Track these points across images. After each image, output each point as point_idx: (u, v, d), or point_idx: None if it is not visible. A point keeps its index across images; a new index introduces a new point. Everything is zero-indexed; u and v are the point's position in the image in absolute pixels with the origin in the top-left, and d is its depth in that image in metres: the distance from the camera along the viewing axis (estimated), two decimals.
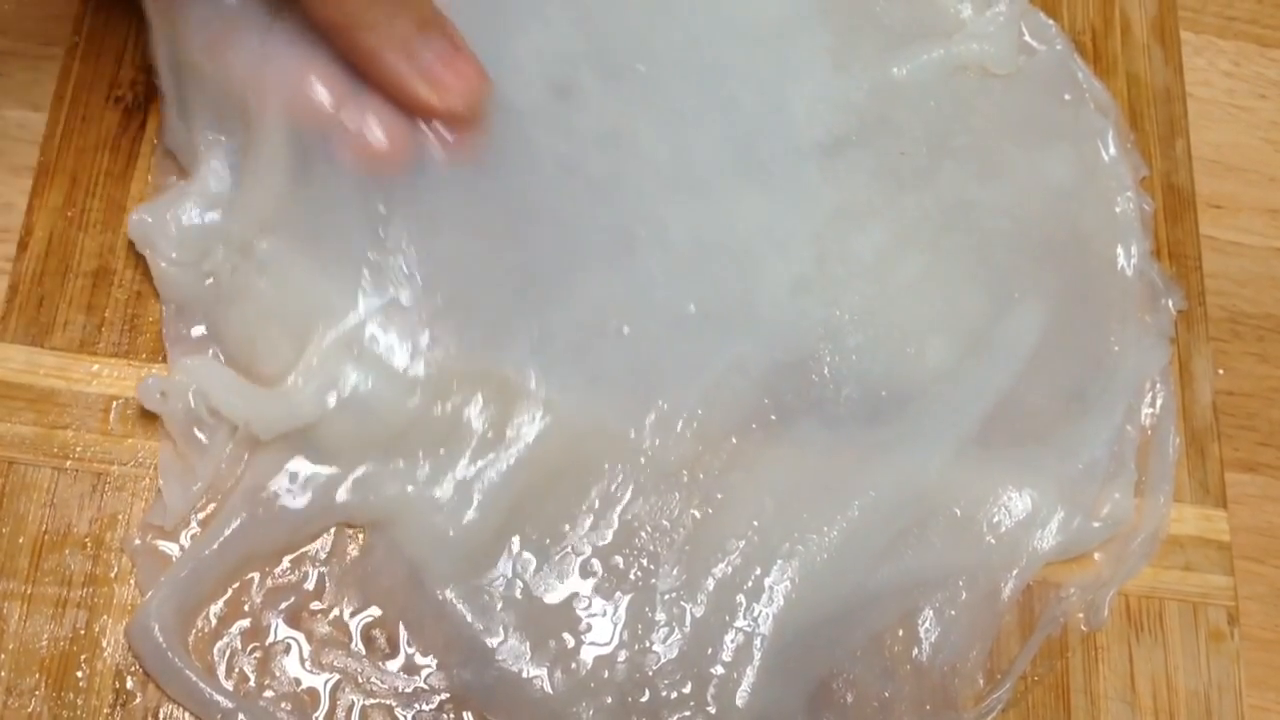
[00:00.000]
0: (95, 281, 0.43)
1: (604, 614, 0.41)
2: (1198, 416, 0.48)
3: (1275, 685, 0.45)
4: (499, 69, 0.41)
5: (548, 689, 0.40)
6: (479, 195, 0.41)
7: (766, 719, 0.41)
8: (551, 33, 0.45)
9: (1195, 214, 0.51)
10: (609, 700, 0.40)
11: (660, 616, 0.41)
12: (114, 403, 0.42)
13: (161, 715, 0.39)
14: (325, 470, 0.40)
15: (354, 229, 0.41)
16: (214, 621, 0.40)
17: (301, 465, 0.40)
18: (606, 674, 0.40)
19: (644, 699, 0.40)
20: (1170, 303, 0.49)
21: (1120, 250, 0.49)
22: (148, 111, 0.45)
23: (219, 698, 0.38)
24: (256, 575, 0.40)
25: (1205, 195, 0.52)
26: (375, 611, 0.40)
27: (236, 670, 0.39)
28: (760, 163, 0.47)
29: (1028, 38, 0.51)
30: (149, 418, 0.41)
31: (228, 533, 0.39)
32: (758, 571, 0.42)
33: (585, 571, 0.41)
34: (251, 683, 0.39)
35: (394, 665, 0.40)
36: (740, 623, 0.41)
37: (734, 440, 0.43)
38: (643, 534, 0.42)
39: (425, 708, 0.40)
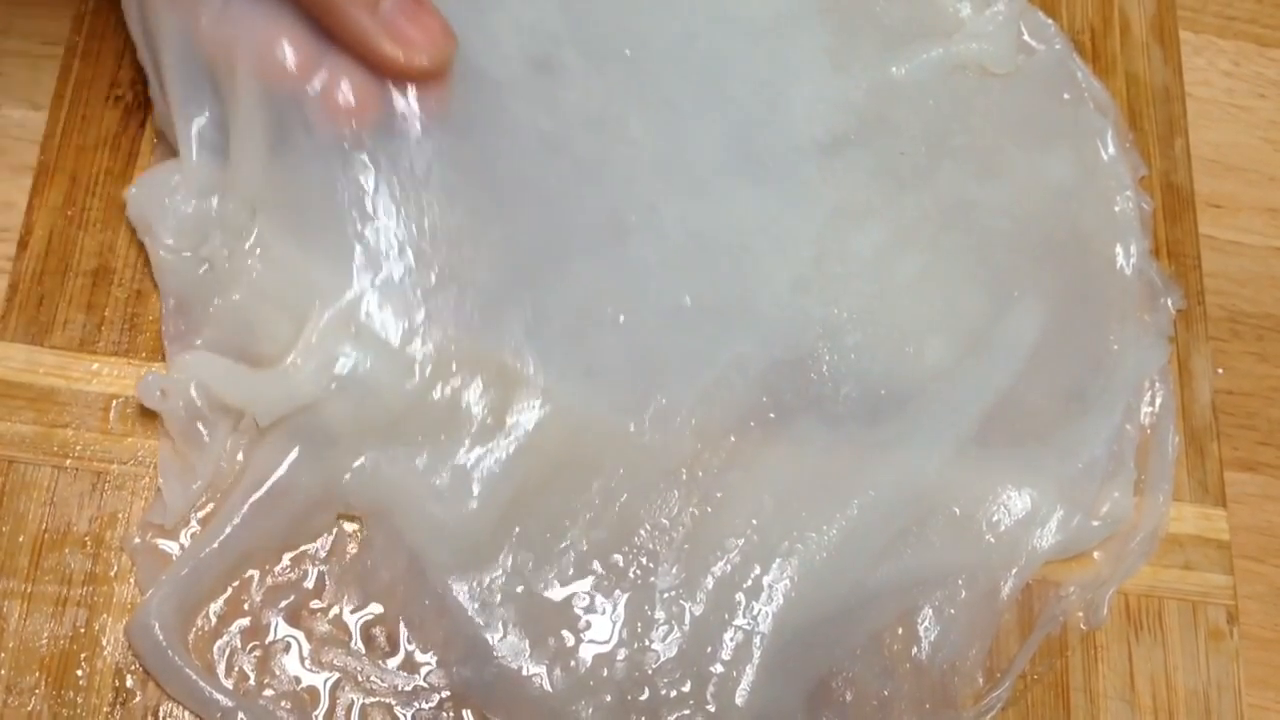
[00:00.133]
0: (95, 280, 0.43)
1: (603, 612, 0.41)
2: (1197, 415, 0.48)
3: (1275, 684, 0.45)
4: (474, 38, 0.41)
5: (547, 687, 0.40)
6: (461, 164, 0.41)
7: (766, 717, 0.41)
8: (529, 7, 0.45)
9: (1194, 213, 0.51)
10: (608, 698, 0.40)
11: (660, 615, 0.41)
12: (114, 401, 0.42)
13: (161, 714, 0.39)
14: (325, 460, 0.40)
15: (340, 203, 0.41)
16: (214, 620, 0.40)
17: (301, 457, 0.40)
18: (606, 672, 0.40)
19: (643, 697, 0.40)
20: (1169, 302, 0.49)
21: (1119, 249, 0.49)
22: (148, 111, 0.45)
23: (219, 696, 0.38)
24: (256, 573, 0.40)
25: (1204, 194, 0.52)
26: (375, 609, 0.40)
27: (236, 669, 0.39)
28: (758, 160, 0.47)
29: (1027, 37, 0.52)
30: (149, 416, 0.41)
31: (228, 531, 0.39)
32: (757, 570, 0.42)
33: (585, 569, 0.41)
34: (251, 681, 0.39)
35: (394, 663, 0.40)
36: (739, 621, 0.41)
37: (733, 439, 0.43)
38: (642, 532, 0.42)
39: (425, 706, 0.40)
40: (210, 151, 0.41)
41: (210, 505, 0.40)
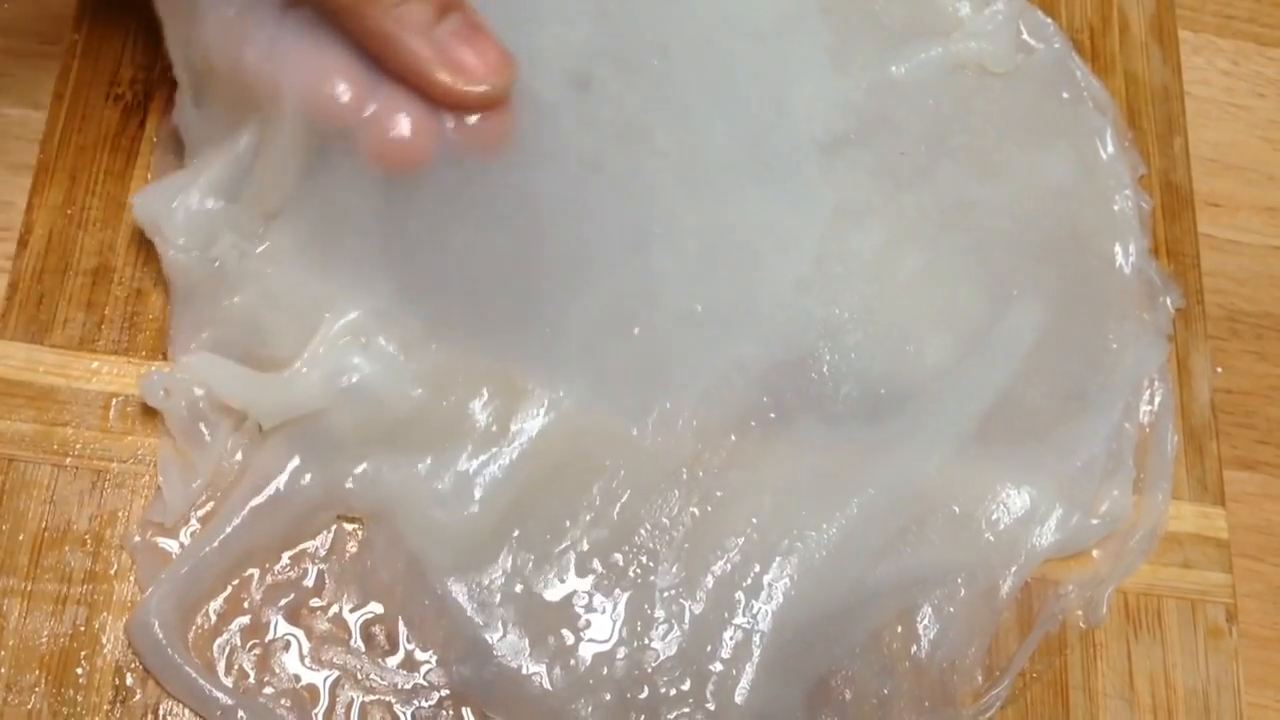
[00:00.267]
0: (95, 279, 0.43)
1: (603, 611, 0.41)
2: (1196, 414, 0.48)
3: (1274, 683, 0.45)
4: (523, 60, 0.38)
5: (546, 685, 0.40)
6: (501, 188, 0.40)
7: (765, 716, 0.41)
8: (571, 25, 0.44)
9: (1193, 212, 0.51)
10: (608, 697, 0.40)
11: (659, 614, 0.41)
12: (114, 400, 0.42)
13: (161, 712, 0.39)
14: (327, 463, 0.40)
15: (368, 219, 0.39)
16: (214, 618, 0.40)
17: (303, 458, 0.40)
18: (606, 671, 0.40)
19: (643, 696, 0.40)
20: (1168, 301, 0.49)
21: (1118, 248, 0.49)
22: (147, 110, 0.45)
23: (218, 694, 0.38)
24: (256, 572, 0.40)
25: (1203, 193, 0.52)
26: (375, 608, 0.40)
27: (236, 667, 0.39)
28: (763, 161, 0.47)
29: (1026, 36, 0.52)
30: (149, 415, 0.41)
31: (228, 530, 0.39)
32: (757, 569, 0.42)
33: (585, 568, 0.41)
34: (251, 679, 0.39)
35: (393, 662, 0.40)
36: (739, 620, 0.42)
37: (733, 438, 0.43)
38: (642, 531, 0.42)
39: (424, 704, 0.40)
40: (233, 159, 0.40)
41: (210, 504, 0.41)
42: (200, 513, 0.40)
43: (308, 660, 0.40)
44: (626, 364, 0.43)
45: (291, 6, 0.37)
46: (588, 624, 0.41)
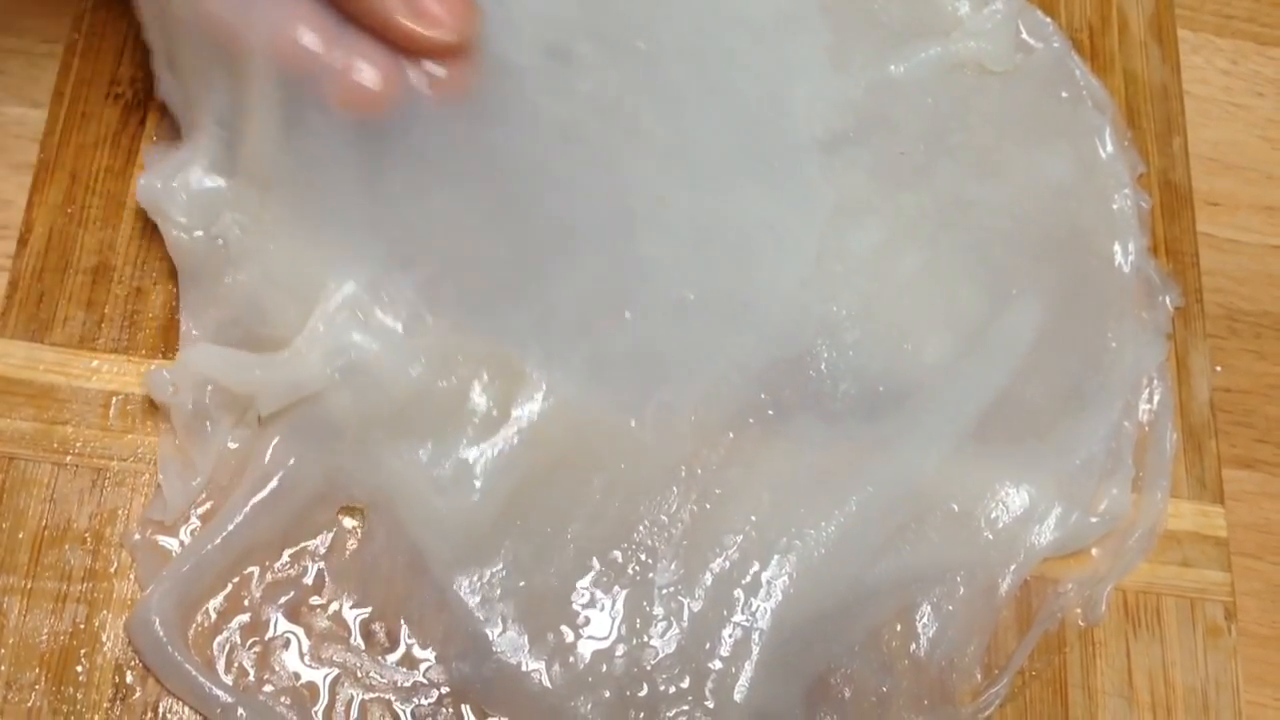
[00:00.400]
0: (95, 278, 0.43)
1: (602, 608, 0.41)
2: (1195, 413, 0.48)
3: (1273, 681, 0.45)
4: (493, 24, 0.39)
5: (546, 682, 0.40)
6: (476, 150, 0.40)
7: (764, 714, 0.41)
8: (554, 0, 0.45)
9: (1192, 211, 0.51)
10: (607, 694, 0.40)
11: (658, 611, 0.41)
12: (114, 398, 0.42)
13: (161, 709, 0.39)
14: (327, 450, 0.40)
15: (352, 185, 0.40)
16: (214, 616, 0.40)
17: (303, 448, 0.40)
18: (605, 668, 0.40)
19: (642, 693, 0.40)
20: (1168, 299, 0.49)
21: (1118, 247, 0.49)
22: (147, 108, 0.45)
23: (219, 692, 0.38)
24: (256, 570, 0.40)
25: (1202, 192, 0.52)
26: (375, 604, 0.40)
27: (236, 665, 0.39)
28: (760, 157, 0.47)
29: (1025, 35, 0.52)
30: (149, 413, 0.41)
31: (230, 527, 0.39)
32: (755, 566, 0.42)
33: (584, 565, 0.41)
34: (251, 677, 0.39)
35: (393, 659, 0.40)
36: (738, 618, 0.42)
37: (732, 436, 0.43)
38: (641, 528, 0.42)
39: (424, 701, 0.40)
40: (221, 128, 0.40)
41: (210, 502, 0.41)
42: (200, 510, 0.40)
43: (308, 658, 0.40)
44: (621, 348, 0.43)
45: None
46: (587, 621, 0.41)
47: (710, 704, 0.41)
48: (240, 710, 0.38)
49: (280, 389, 0.40)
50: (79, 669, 0.39)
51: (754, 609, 0.42)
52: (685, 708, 0.40)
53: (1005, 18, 0.51)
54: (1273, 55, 0.55)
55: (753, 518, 0.42)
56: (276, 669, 0.39)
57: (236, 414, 0.41)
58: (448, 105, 0.38)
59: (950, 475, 0.44)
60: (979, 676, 0.43)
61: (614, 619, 0.41)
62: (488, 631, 0.40)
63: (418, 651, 0.40)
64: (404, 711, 0.40)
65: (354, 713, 0.39)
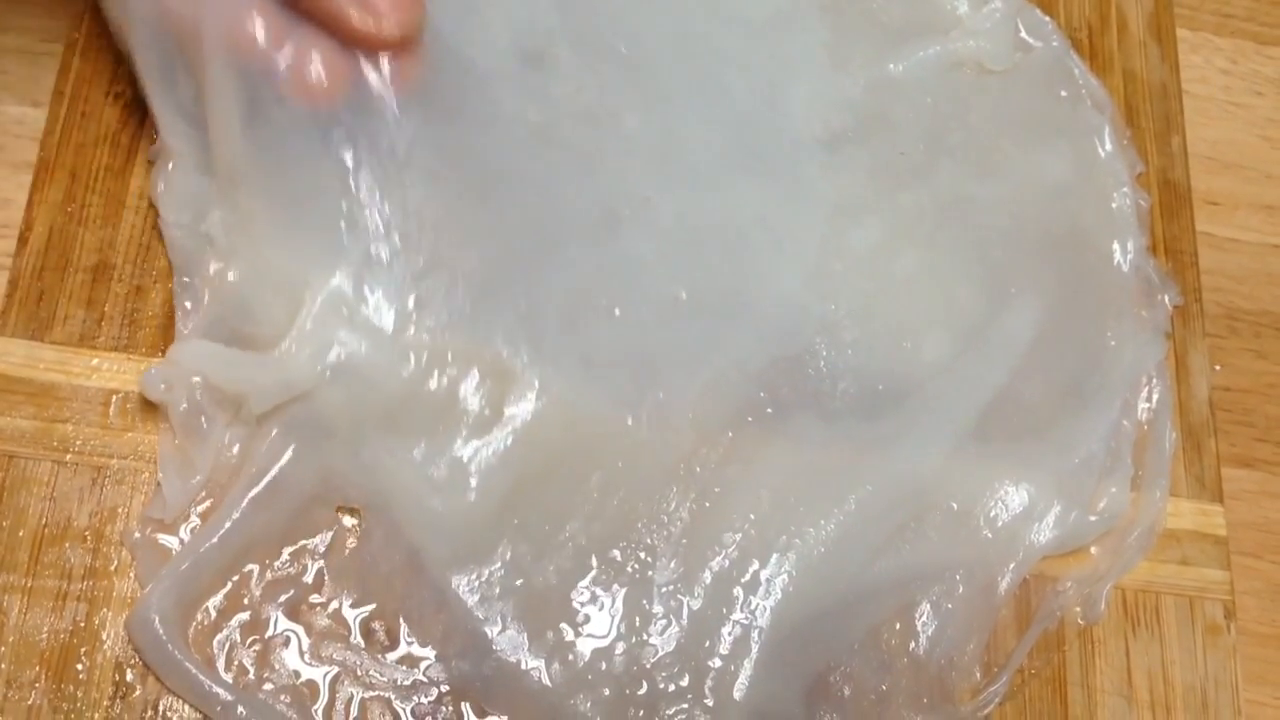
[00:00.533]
0: (95, 276, 0.43)
1: (602, 606, 0.41)
2: (1194, 412, 0.48)
3: (1272, 680, 0.45)
4: (464, 29, 0.41)
5: (545, 681, 0.40)
6: (443, 149, 0.41)
7: (764, 712, 0.41)
8: (523, 3, 0.45)
9: (1191, 210, 0.51)
10: (606, 692, 0.40)
11: (658, 609, 0.41)
12: (113, 397, 0.42)
13: (161, 708, 0.39)
14: (322, 454, 0.40)
15: (321, 178, 0.40)
16: (213, 614, 0.40)
17: (300, 450, 0.40)
18: (604, 666, 0.40)
19: (641, 691, 0.40)
20: (1166, 298, 0.49)
21: (1116, 246, 0.49)
22: (148, 107, 0.45)
23: (218, 690, 0.38)
24: (256, 568, 0.40)
25: (1201, 191, 0.52)
26: (374, 604, 0.40)
27: (236, 663, 0.39)
28: (757, 156, 0.47)
29: (1024, 34, 0.52)
30: (148, 411, 0.41)
31: (228, 525, 0.39)
32: (755, 565, 0.42)
33: (583, 564, 0.41)
34: (251, 675, 0.39)
35: (393, 657, 0.40)
36: (737, 616, 0.42)
37: (730, 434, 0.44)
38: (640, 527, 0.42)
39: (424, 700, 0.40)
40: (189, 125, 0.41)
41: (210, 500, 0.41)
42: (200, 509, 0.41)
43: (307, 656, 0.40)
44: (611, 345, 0.43)
45: None
46: (586, 619, 0.41)
47: (710, 702, 0.41)
48: (240, 708, 0.38)
49: (271, 389, 0.40)
50: (79, 667, 0.39)
51: (753, 607, 0.42)
52: (685, 706, 0.40)
53: (1004, 17, 0.51)
54: (1272, 55, 0.55)
55: (752, 516, 0.43)
56: (276, 667, 0.39)
57: (231, 411, 0.41)
58: (406, 102, 0.40)
59: (949, 474, 0.44)
60: (978, 675, 0.43)
61: (613, 617, 0.41)
62: (487, 630, 0.40)
63: (417, 650, 0.40)
64: (404, 710, 0.40)
65: (354, 711, 0.39)
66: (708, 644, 0.41)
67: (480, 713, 0.40)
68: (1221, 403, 0.49)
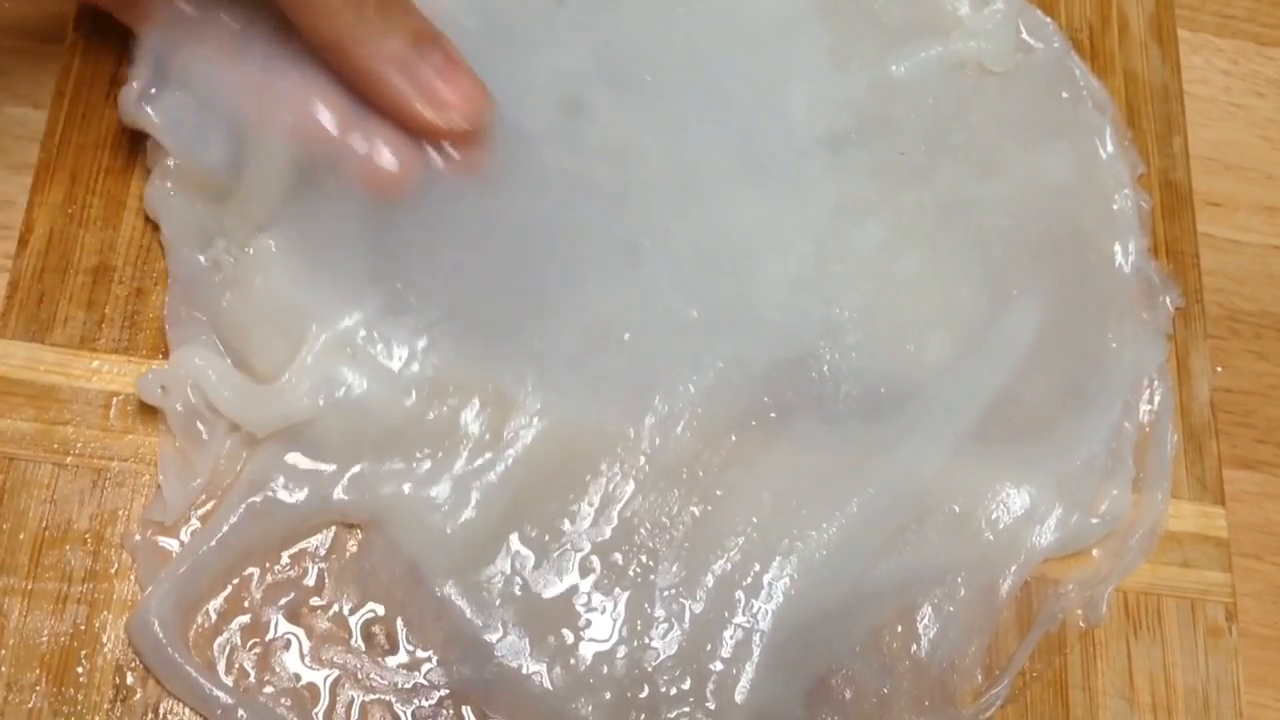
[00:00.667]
0: (95, 278, 0.43)
1: (603, 610, 0.41)
2: (1196, 413, 0.48)
3: (1273, 682, 0.45)
4: (511, 91, 0.41)
5: (547, 685, 0.40)
6: (487, 213, 0.42)
7: (765, 715, 0.41)
8: (563, 50, 0.46)
9: (1193, 211, 0.51)
10: (608, 696, 0.40)
11: (659, 613, 0.41)
12: (114, 399, 0.42)
13: (161, 711, 0.39)
14: (323, 467, 0.41)
15: (356, 236, 0.41)
16: (214, 617, 0.40)
17: (300, 461, 0.40)
18: (606, 670, 0.40)
19: (643, 695, 0.40)
20: (1168, 300, 0.49)
21: (1118, 247, 0.49)
22: None
23: (219, 693, 0.38)
24: (256, 571, 0.40)
25: (1203, 193, 0.52)
26: (375, 608, 0.40)
27: (236, 666, 0.39)
28: (760, 162, 0.47)
29: (1025, 35, 0.52)
30: (149, 413, 0.41)
31: (227, 528, 0.39)
32: (757, 568, 0.42)
33: (584, 568, 0.41)
34: (251, 678, 0.39)
35: (394, 661, 0.40)
36: (739, 619, 0.42)
37: (733, 437, 0.43)
38: (642, 531, 0.42)
39: (425, 703, 0.40)
40: (221, 162, 0.41)
41: (210, 503, 0.41)
42: (200, 512, 0.40)
43: (308, 659, 0.40)
44: (619, 369, 0.43)
45: (281, 46, 0.39)
46: (588, 623, 0.41)
47: (711, 705, 0.41)
48: (241, 711, 0.38)
49: (267, 419, 0.40)
50: (79, 670, 0.39)
51: (755, 610, 0.42)
52: (686, 709, 0.40)
53: (1005, 18, 0.51)
54: (1273, 55, 0.55)
55: (754, 519, 0.42)
56: (277, 670, 0.39)
57: (230, 421, 0.41)
58: (461, 183, 0.40)
59: (951, 476, 0.44)
60: (980, 677, 0.43)
61: (615, 621, 0.41)
62: (488, 635, 0.40)
63: (419, 654, 0.40)
64: (405, 713, 0.40)
65: (354, 714, 0.39)
66: (709, 647, 0.41)
67: (481, 716, 0.40)
68: (1223, 404, 0.49)
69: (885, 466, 0.44)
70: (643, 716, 0.40)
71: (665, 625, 0.41)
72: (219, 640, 0.39)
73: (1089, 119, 0.51)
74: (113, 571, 0.40)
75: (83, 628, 0.39)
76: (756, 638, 0.41)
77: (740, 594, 0.42)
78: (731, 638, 0.41)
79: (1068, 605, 0.44)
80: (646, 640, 0.41)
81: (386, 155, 0.38)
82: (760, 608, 0.42)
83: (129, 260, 0.43)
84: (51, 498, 0.40)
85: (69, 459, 0.41)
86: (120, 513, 0.41)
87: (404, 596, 0.40)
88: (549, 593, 0.41)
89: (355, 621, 0.40)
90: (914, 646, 0.43)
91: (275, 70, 0.38)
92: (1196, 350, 0.49)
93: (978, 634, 0.43)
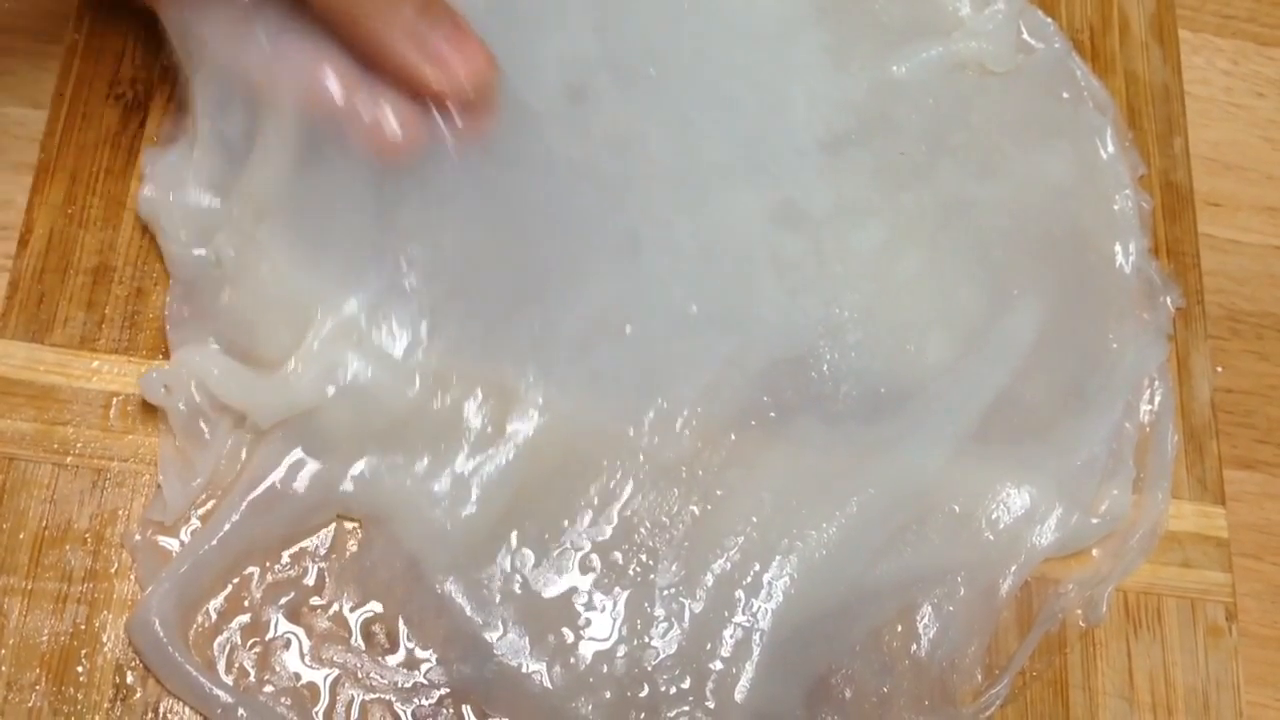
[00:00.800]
0: (95, 278, 0.43)
1: (603, 609, 0.41)
2: (1196, 413, 0.48)
3: (1273, 682, 0.45)
4: (519, 72, 0.41)
5: (547, 684, 0.40)
6: (490, 191, 0.42)
7: (765, 714, 0.41)
8: (570, 37, 0.46)
9: (1193, 212, 0.51)
10: (608, 695, 0.40)
11: (659, 612, 0.41)
12: (114, 399, 0.42)
13: (161, 710, 0.39)
14: (324, 464, 0.41)
15: (361, 214, 0.41)
16: (214, 616, 0.40)
17: (300, 459, 0.40)
18: (606, 669, 0.40)
19: (643, 694, 0.40)
20: (1168, 300, 0.49)
21: (1119, 248, 0.49)
22: (148, 109, 0.45)
23: (219, 692, 0.38)
24: (256, 570, 0.40)
25: (1203, 193, 0.52)
26: (375, 607, 0.40)
27: (236, 665, 0.39)
28: (762, 162, 0.47)
29: (1026, 36, 0.52)
30: (149, 413, 0.41)
31: (227, 528, 0.40)
32: (756, 567, 0.42)
33: (584, 567, 0.41)
34: (251, 678, 0.39)
35: (394, 660, 0.40)
36: (739, 618, 0.42)
37: (733, 437, 0.43)
38: (642, 530, 0.42)
39: (425, 702, 0.40)
40: (224, 149, 0.41)
41: (211, 502, 0.41)
42: (200, 511, 0.40)
43: (308, 658, 0.40)
44: (620, 363, 0.43)
45: (290, 20, 0.39)
46: (588, 622, 0.41)
47: (711, 704, 0.41)
48: (241, 710, 0.38)
49: (273, 407, 0.40)
50: (79, 669, 0.39)
51: (755, 610, 0.42)
52: (686, 708, 0.40)
53: (1006, 18, 0.51)
54: (1273, 55, 0.55)
55: (754, 519, 0.42)
56: (277, 669, 0.39)
57: (235, 416, 0.41)
58: (468, 150, 0.40)
59: (951, 476, 0.44)
60: (980, 677, 0.43)
61: (615, 620, 0.41)
62: (488, 634, 0.40)
63: (419, 653, 0.40)
64: (405, 712, 0.40)
65: (354, 713, 0.39)
66: (709, 646, 0.41)
67: (481, 715, 0.40)
68: (1223, 404, 0.49)
69: (885, 466, 0.44)
70: (642, 715, 0.40)
71: (665, 624, 0.41)
72: (219, 639, 0.39)
73: (1090, 119, 0.51)
74: (113, 571, 0.40)
75: (83, 627, 0.39)
76: (756, 637, 0.41)
77: (740, 593, 0.42)
78: (731, 637, 0.41)
79: (1068, 605, 0.44)
80: (646, 639, 0.41)
81: (393, 120, 0.39)
82: (760, 607, 0.42)
83: (129, 260, 0.43)
84: (51, 498, 0.40)
85: (69, 459, 0.41)
86: (120, 513, 0.41)
87: (404, 594, 0.40)
88: (549, 591, 0.41)
89: (355, 620, 0.40)
90: (914, 646, 0.43)
91: (285, 42, 0.39)
92: (1197, 350, 0.49)
93: (978, 634, 0.43)
